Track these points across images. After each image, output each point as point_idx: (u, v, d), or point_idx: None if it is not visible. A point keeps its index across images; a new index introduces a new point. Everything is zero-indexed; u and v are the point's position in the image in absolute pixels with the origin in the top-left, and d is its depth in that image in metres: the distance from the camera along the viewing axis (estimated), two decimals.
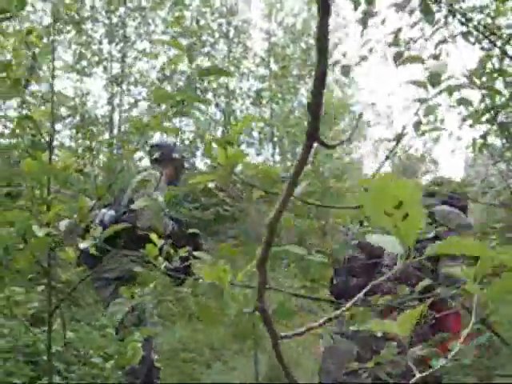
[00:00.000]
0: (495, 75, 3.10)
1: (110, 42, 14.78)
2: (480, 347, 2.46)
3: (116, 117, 14.58)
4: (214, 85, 16.12)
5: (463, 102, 2.13)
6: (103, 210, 4.48)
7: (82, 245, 2.33)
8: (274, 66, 18.29)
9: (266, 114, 18.27)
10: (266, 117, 18.13)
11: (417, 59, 1.88)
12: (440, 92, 1.97)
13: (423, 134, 2.13)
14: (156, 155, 4.71)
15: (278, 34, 18.99)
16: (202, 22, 16.42)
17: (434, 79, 1.93)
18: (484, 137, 3.76)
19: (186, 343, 7.61)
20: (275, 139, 18.68)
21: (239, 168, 2.23)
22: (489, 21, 3.15)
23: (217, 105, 16.46)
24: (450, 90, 2.03)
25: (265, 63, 18.16)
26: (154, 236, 2.59)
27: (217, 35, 16.99)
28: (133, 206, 3.76)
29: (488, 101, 3.31)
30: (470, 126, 3.52)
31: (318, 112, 0.74)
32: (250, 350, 6.01)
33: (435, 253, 0.80)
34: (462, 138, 4.17)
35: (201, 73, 2.13)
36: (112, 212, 4.44)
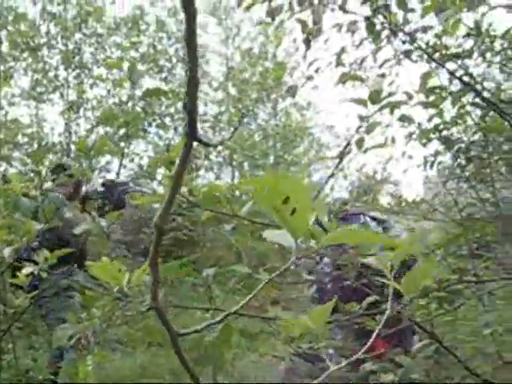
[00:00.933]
0: (444, 94, 3.16)
1: (66, 69, 14.73)
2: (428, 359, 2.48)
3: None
4: (172, 109, 16.12)
5: (404, 118, 2.17)
6: None
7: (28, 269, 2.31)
8: (232, 90, 18.36)
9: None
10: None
11: (356, 78, 1.91)
12: (380, 109, 2.01)
13: (366, 151, 2.16)
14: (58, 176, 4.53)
15: (235, 58, 19.11)
16: (159, 48, 16.46)
17: (374, 97, 1.97)
18: (435, 155, 3.82)
19: (147, 368, 7.53)
20: (234, 163, 18.73)
21: (184, 189, 2.25)
22: (435, 40, 3.22)
23: (175, 129, 16.44)
24: (391, 107, 2.06)
25: (223, 87, 18.22)
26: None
27: (174, 60, 17.02)
28: None
29: (437, 119, 3.38)
30: (424, 144, 3.58)
31: (195, 112, 0.76)
32: (213, 374, 5.95)
33: (328, 243, 0.83)
34: (414, 156, 4.22)
35: (144, 94, 2.15)
36: None
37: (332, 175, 2.25)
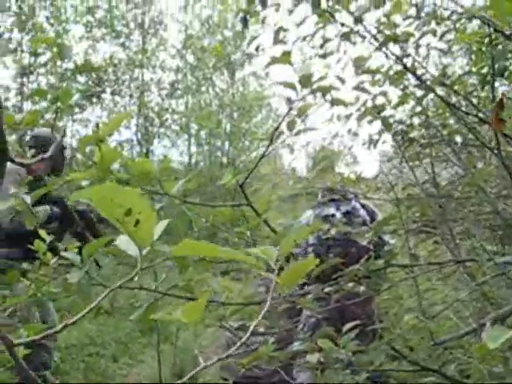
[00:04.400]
0: (381, 76, 3.17)
1: (20, 32, 14.41)
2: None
3: (27, 107, 14.23)
4: (127, 76, 15.95)
5: (336, 102, 2.17)
6: None
7: None
8: (189, 58, 18.19)
9: (182, 106, 18.20)
10: (182, 109, 18.06)
11: (285, 60, 1.90)
12: (311, 93, 2.01)
13: (298, 133, 2.16)
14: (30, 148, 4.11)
15: (194, 26, 18.90)
16: (117, 13, 16.20)
17: (305, 81, 1.97)
18: (379, 134, 3.84)
19: (93, 337, 7.52)
20: (192, 131, 18.64)
21: (116, 166, 2.22)
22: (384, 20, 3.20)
23: (130, 96, 16.28)
24: (323, 91, 2.06)
25: (180, 54, 18.03)
26: (42, 232, 2.55)
27: (132, 25, 16.79)
28: None
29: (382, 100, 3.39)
30: (369, 122, 3.59)
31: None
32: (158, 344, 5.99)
33: (173, 255, 0.83)
34: (359, 134, 4.24)
35: (78, 69, 2.11)
36: None
37: (262, 157, 2.26)
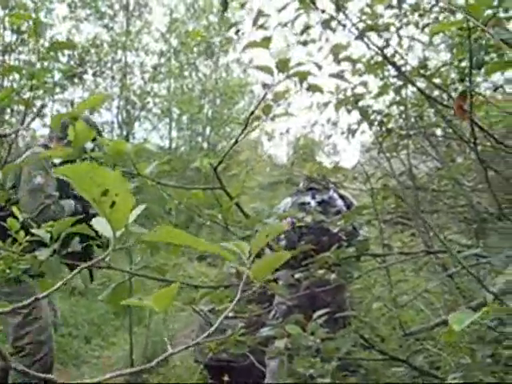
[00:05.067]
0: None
1: (3, 9, 14.23)
2: None
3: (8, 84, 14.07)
4: (110, 58, 15.83)
5: (313, 88, 2.17)
6: None
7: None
8: (173, 42, 18.06)
9: (164, 90, 18.11)
10: (164, 92, 17.97)
11: (263, 45, 1.89)
12: (287, 77, 2.00)
13: (274, 118, 2.16)
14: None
15: (179, 10, 18.75)
16: None
17: (282, 65, 1.96)
18: (358, 124, 3.84)
19: (66, 318, 7.50)
20: (174, 116, 18.57)
21: (90, 145, 2.21)
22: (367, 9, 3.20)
23: (112, 78, 16.17)
24: (300, 76, 2.06)
25: (164, 38, 17.90)
26: (14, 209, 2.53)
27: (116, 7, 16.65)
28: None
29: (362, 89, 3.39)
30: (348, 112, 3.59)
31: None
32: (132, 326, 6.01)
33: (154, 240, 0.83)
34: (338, 123, 4.26)
35: (52, 47, 2.09)
36: None
37: (236, 142, 2.25)
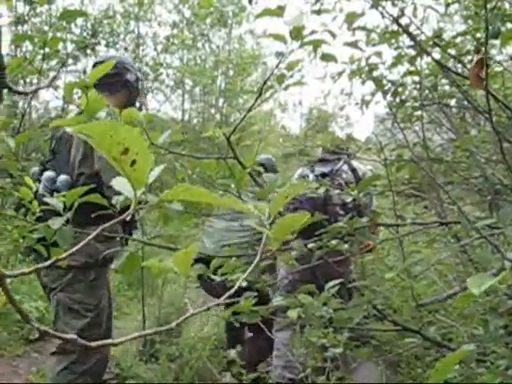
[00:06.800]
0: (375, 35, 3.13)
1: None
2: None
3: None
4: (122, 29, 15.79)
5: (327, 57, 2.15)
6: (48, 174, 3.40)
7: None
8: (186, 13, 17.98)
9: (177, 62, 18.08)
10: (177, 64, 17.93)
11: (277, 12, 1.87)
12: (301, 46, 1.98)
13: (287, 87, 2.14)
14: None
15: None
16: None
17: (295, 33, 1.94)
18: (372, 94, 3.80)
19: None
20: (186, 87, 18.55)
21: (103, 114, 2.20)
22: None
23: (125, 49, 16.13)
24: (314, 45, 2.04)
25: (177, 9, 17.82)
26: (27, 178, 2.52)
27: None
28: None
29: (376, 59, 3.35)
30: (362, 83, 3.55)
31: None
32: (145, 297, 6.05)
33: (168, 199, 0.83)
34: (352, 94, 4.23)
35: (63, 16, 2.08)
36: (65, 176, 3.34)
37: (249, 110, 2.24)
